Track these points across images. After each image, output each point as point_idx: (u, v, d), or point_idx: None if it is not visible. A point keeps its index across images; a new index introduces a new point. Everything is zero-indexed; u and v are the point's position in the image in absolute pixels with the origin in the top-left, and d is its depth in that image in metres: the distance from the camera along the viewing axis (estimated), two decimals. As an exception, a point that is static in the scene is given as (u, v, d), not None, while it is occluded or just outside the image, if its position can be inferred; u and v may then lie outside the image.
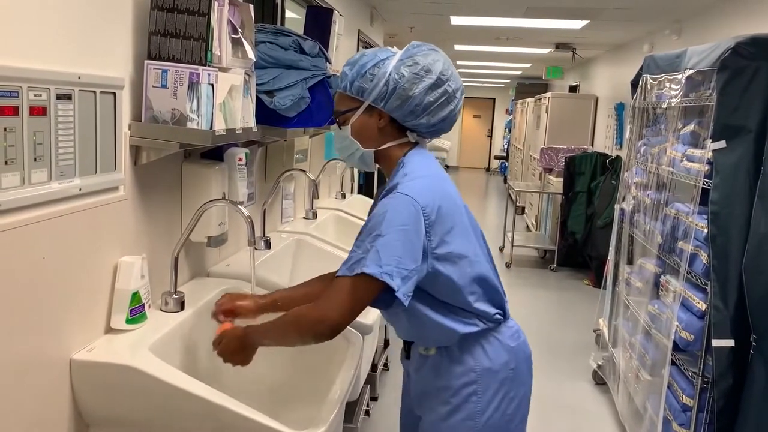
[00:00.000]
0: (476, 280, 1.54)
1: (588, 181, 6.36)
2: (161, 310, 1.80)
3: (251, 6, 1.81)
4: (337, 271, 1.74)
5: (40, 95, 1.28)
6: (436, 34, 7.42)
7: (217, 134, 1.65)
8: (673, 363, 2.71)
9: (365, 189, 5.45)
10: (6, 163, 1.21)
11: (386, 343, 3.67)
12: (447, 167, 12.47)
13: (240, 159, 2.10)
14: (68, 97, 1.37)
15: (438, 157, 9.85)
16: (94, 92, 1.46)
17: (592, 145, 7.87)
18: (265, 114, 2.10)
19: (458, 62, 11.22)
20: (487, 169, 18.35)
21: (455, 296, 1.52)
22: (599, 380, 3.89)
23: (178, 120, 1.58)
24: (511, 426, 1.61)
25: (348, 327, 1.49)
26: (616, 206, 3.83)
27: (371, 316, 2.12)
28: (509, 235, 6.84)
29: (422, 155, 1.57)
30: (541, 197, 7.79)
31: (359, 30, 5.00)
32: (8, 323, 1.28)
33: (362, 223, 1.51)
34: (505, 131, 16.68)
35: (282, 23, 3.18)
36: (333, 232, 3.41)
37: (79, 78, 1.39)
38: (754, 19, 3.96)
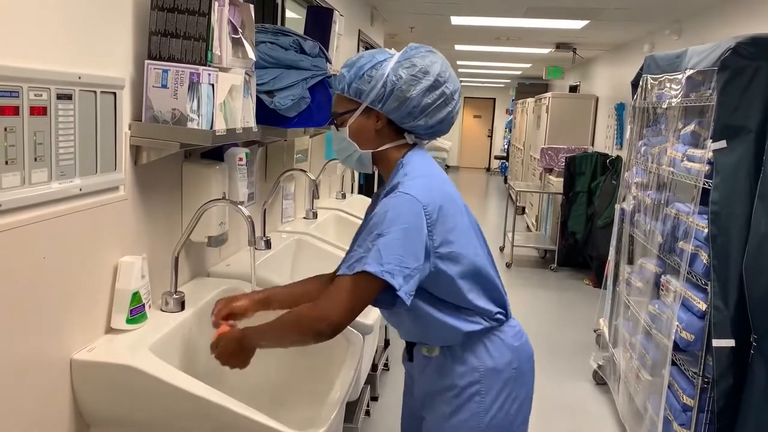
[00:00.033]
0: (477, 278, 1.54)
1: (588, 181, 6.36)
2: (161, 310, 1.80)
3: (251, 6, 1.81)
4: (335, 270, 1.75)
5: (41, 95, 1.28)
6: (437, 34, 7.42)
7: (217, 134, 1.65)
8: (673, 363, 2.71)
9: (365, 189, 5.45)
10: (6, 163, 1.21)
11: (386, 343, 3.67)
12: (447, 167, 12.47)
13: (240, 159, 2.10)
14: (68, 97, 1.37)
15: (438, 157, 9.85)
16: (95, 92, 1.46)
17: (593, 145, 7.87)
18: (265, 114, 2.10)
19: (458, 62, 11.21)
20: (488, 169, 18.35)
21: (457, 294, 1.52)
22: (600, 380, 3.89)
23: (179, 120, 1.59)
24: (513, 426, 1.61)
25: (348, 327, 1.49)
26: (617, 206, 3.83)
27: (372, 316, 2.13)
28: (509, 235, 6.84)
29: (421, 156, 1.58)
30: (542, 197, 7.78)
31: (359, 30, 5.00)
32: (8, 323, 1.28)
33: (362, 223, 1.51)
34: (505, 131, 16.68)
35: (282, 23, 3.18)
36: (333, 232, 3.41)
37: (79, 78, 1.40)
38: (755, 19, 3.96)
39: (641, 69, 3.53)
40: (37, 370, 1.38)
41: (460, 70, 12.86)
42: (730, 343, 2.39)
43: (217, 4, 1.60)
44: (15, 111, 1.22)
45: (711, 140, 2.47)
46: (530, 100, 10.49)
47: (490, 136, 18.41)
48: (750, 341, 2.33)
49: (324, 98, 2.27)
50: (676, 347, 2.66)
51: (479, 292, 1.55)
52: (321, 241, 2.87)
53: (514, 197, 7.59)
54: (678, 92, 2.90)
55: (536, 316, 5.13)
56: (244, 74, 1.84)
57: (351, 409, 2.67)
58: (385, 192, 1.51)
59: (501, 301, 1.61)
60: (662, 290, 2.94)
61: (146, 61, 1.59)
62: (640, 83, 3.50)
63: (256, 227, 1.81)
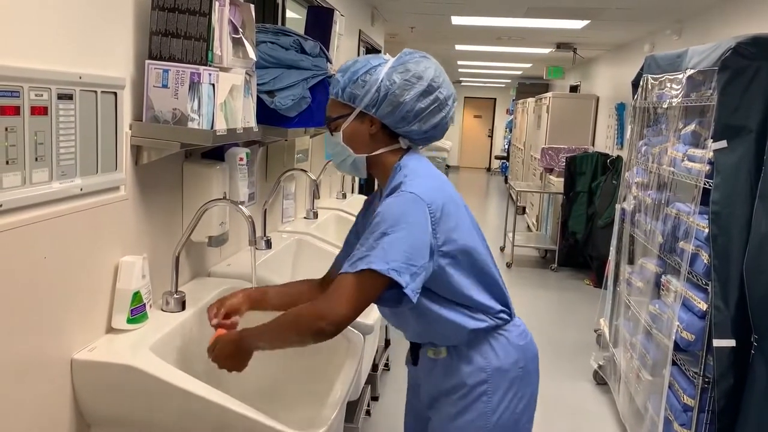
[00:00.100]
0: (479, 275, 1.55)
1: (589, 181, 6.36)
2: (162, 309, 1.80)
3: (252, 6, 1.81)
4: (326, 274, 1.75)
5: (42, 95, 1.29)
6: (437, 34, 7.42)
7: (218, 134, 1.65)
8: (674, 363, 2.71)
9: (366, 189, 5.45)
10: (7, 162, 1.21)
11: (387, 343, 3.67)
12: (448, 167, 12.45)
13: (241, 159, 2.10)
14: (69, 97, 1.37)
15: (438, 157, 9.86)
16: (95, 92, 1.46)
17: (593, 145, 7.87)
18: (266, 114, 2.10)
19: (459, 62, 11.22)
20: (488, 169, 18.35)
21: (459, 292, 1.53)
22: (600, 380, 3.89)
23: (179, 120, 1.59)
24: (519, 425, 1.62)
25: (349, 327, 1.49)
26: (617, 206, 3.83)
27: (372, 315, 2.13)
28: (510, 235, 6.84)
29: (418, 160, 1.58)
30: (542, 197, 7.78)
31: (360, 30, 5.00)
32: (9, 323, 1.28)
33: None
34: (505, 131, 16.68)
35: (283, 23, 3.18)
36: (334, 232, 3.41)
37: (80, 78, 1.40)
38: (755, 19, 3.96)
39: (642, 69, 3.53)
40: (38, 370, 1.38)
41: (460, 70, 12.87)
42: (731, 343, 2.39)
43: (217, 4, 1.60)
44: (16, 111, 1.22)
45: (711, 140, 2.47)
46: (531, 100, 10.49)
47: (491, 136, 18.41)
48: (751, 341, 2.33)
49: (324, 98, 2.26)
50: (677, 347, 2.66)
51: (481, 290, 1.56)
52: (321, 241, 2.87)
53: (514, 197, 7.59)
54: (678, 92, 2.90)
55: (537, 316, 5.13)
56: (245, 74, 1.84)
57: (351, 409, 2.67)
58: (387, 193, 1.51)
59: (503, 299, 1.61)
60: (663, 290, 2.94)
61: (147, 61, 1.59)
62: (641, 83, 3.50)
63: (256, 227, 1.81)
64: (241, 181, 2.11)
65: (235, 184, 2.10)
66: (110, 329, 1.62)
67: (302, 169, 2.83)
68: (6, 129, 1.20)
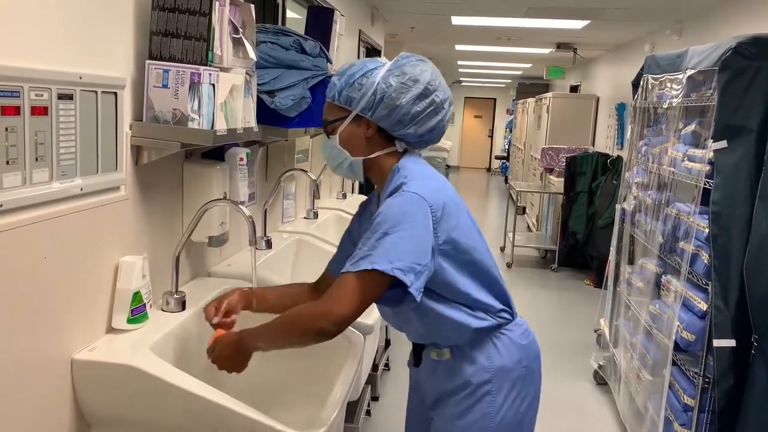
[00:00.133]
0: (480, 274, 1.55)
1: (589, 181, 6.36)
2: (162, 309, 1.80)
3: (252, 6, 1.81)
4: (319, 278, 1.74)
5: (42, 95, 1.29)
6: (437, 34, 7.42)
7: (218, 134, 1.65)
8: (674, 363, 2.71)
9: (366, 189, 5.45)
10: (7, 162, 1.21)
11: (387, 343, 3.67)
12: (448, 167, 12.45)
13: (241, 159, 2.11)
14: (69, 97, 1.37)
15: (438, 157, 9.86)
16: (96, 92, 1.46)
17: (593, 145, 7.87)
18: (266, 114, 2.10)
19: (459, 62, 11.22)
20: (488, 169, 18.35)
21: (460, 291, 1.53)
22: (600, 380, 3.89)
23: (180, 120, 1.59)
24: (523, 424, 1.62)
25: (349, 327, 1.48)
26: (617, 206, 3.83)
27: (372, 316, 2.13)
28: (510, 235, 6.84)
29: (416, 162, 1.58)
30: (542, 197, 7.78)
31: (360, 30, 5.00)
32: (9, 323, 1.28)
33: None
34: (506, 131, 16.68)
35: (283, 23, 3.18)
36: (334, 232, 3.41)
37: (80, 78, 1.40)
38: (755, 19, 3.96)
39: (642, 69, 3.53)
40: (38, 370, 1.38)
41: (460, 70, 12.87)
42: (731, 343, 2.39)
43: (217, 4, 1.60)
44: (16, 111, 1.22)
45: (712, 140, 2.47)
46: (531, 100, 10.49)
47: (491, 136, 18.41)
48: (751, 341, 2.33)
49: (324, 98, 2.27)
50: (677, 347, 2.66)
51: (482, 288, 1.56)
52: (322, 241, 2.87)
53: (514, 197, 7.60)
54: (679, 92, 2.90)
55: (537, 316, 5.13)
56: (245, 74, 1.84)
57: (352, 409, 2.67)
58: (386, 195, 1.51)
59: (505, 298, 1.62)
60: (663, 290, 2.94)
61: (147, 61, 1.59)
62: (641, 83, 3.50)
63: (256, 227, 1.82)
64: (241, 181, 2.11)
65: (236, 184, 2.10)
66: (110, 329, 1.62)
67: (302, 170, 2.83)
68: (6, 129, 1.20)
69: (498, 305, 1.59)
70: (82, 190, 1.44)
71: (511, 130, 14.84)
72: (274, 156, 2.80)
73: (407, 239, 1.40)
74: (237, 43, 1.75)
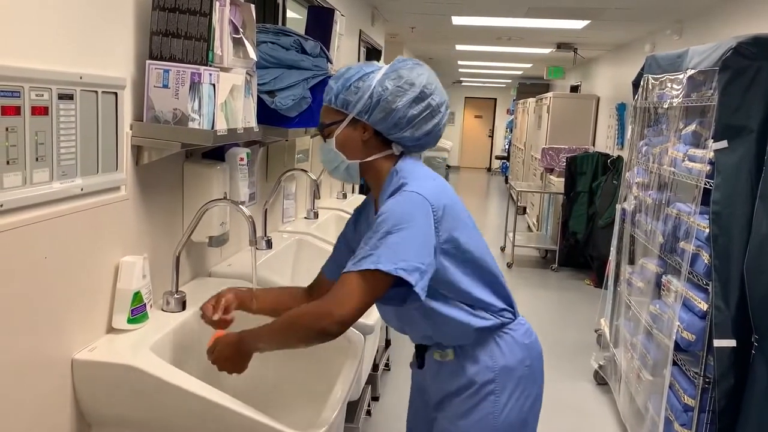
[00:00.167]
0: (481, 272, 1.56)
1: (589, 181, 6.36)
2: (163, 309, 1.81)
3: (252, 6, 1.81)
4: (311, 284, 1.74)
5: (42, 95, 1.29)
6: (438, 34, 7.42)
7: (218, 134, 1.65)
8: (674, 363, 2.71)
9: (366, 189, 5.44)
10: (8, 162, 1.21)
11: (387, 343, 3.67)
12: (448, 167, 12.44)
13: (241, 159, 2.11)
14: (70, 97, 1.37)
15: (439, 157, 9.86)
16: (96, 92, 1.46)
17: (594, 145, 7.87)
18: (266, 114, 2.10)
19: (459, 62, 11.22)
20: (489, 169, 18.35)
21: (461, 289, 1.53)
22: (600, 380, 3.89)
23: (180, 120, 1.59)
24: (526, 424, 1.62)
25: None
26: (618, 206, 3.83)
27: (372, 316, 2.12)
28: (510, 235, 6.84)
29: (415, 164, 1.58)
30: (543, 197, 7.78)
31: (360, 30, 5.00)
32: (10, 323, 1.28)
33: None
34: (506, 131, 16.68)
35: (283, 23, 3.19)
36: (334, 232, 3.41)
37: (80, 78, 1.40)
38: (756, 19, 3.96)
39: (642, 69, 3.53)
40: (38, 370, 1.38)
41: (461, 70, 12.87)
42: (732, 343, 2.39)
43: (218, 4, 1.60)
44: (16, 111, 1.22)
45: (712, 140, 2.47)
46: (531, 100, 10.49)
47: (491, 136, 18.41)
48: (751, 341, 2.33)
49: (325, 98, 2.27)
50: (677, 347, 2.66)
51: (483, 287, 1.56)
52: (322, 241, 2.87)
53: (515, 197, 7.59)
54: (679, 92, 2.90)
55: (537, 316, 5.13)
56: (245, 74, 1.84)
57: (352, 409, 2.67)
58: (387, 196, 1.51)
59: (506, 297, 1.62)
60: (663, 290, 2.94)
61: (147, 61, 1.59)
62: (641, 83, 3.50)
63: (257, 227, 1.82)
64: (241, 181, 2.11)
65: (236, 184, 2.10)
66: (111, 329, 1.62)
67: (303, 169, 2.83)
68: (7, 129, 1.20)
69: (500, 304, 1.59)
70: (82, 190, 1.44)
71: (511, 130, 14.84)
72: (274, 156, 2.80)
73: (410, 238, 1.40)
74: (237, 43, 1.75)
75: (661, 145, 3.16)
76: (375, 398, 3.39)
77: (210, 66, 1.60)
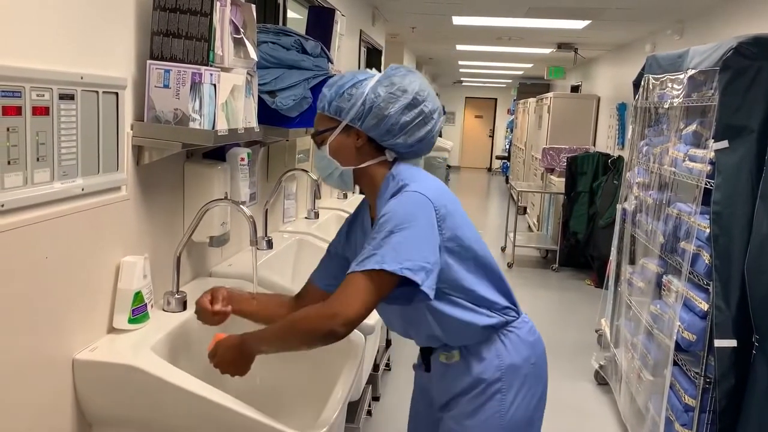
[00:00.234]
0: (483, 270, 1.56)
1: (590, 181, 6.36)
2: (163, 309, 1.81)
3: (253, 6, 1.81)
4: (299, 292, 1.73)
5: (43, 95, 1.29)
6: (438, 34, 7.42)
7: (219, 134, 1.65)
8: (675, 363, 2.71)
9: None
10: (9, 163, 1.22)
11: (388, 343, 3.67)
12: (449, 167, 12.44)
13: (242, 159, 2.11)
14: (71, 97, 1.37)
15: (439, 157, 9.85)
16: (97, 92, 1.46)
17: (594, 145, 7.87)
18: (267, 114, 2.10)
19: (460, 62, 11.22)
20: (489, 169, 18.35)
21: (464, 288, 1.53)
22: (601, 380, 3.89)
23: (181, 120, 1.59)
24: (532, 422, 1.63)
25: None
26: (618, 206, 3.83)
27: (373, 316, 2.12)
28: (511, 235, 6.84)
29: (411, 167, 1.58)
30: (543, 197, 7.78)
31: (361, 30, 5.00)
32: (11, 323, 1.28)
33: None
34: (506, 131, 16.68)
35: (284, 23, 3.19)
36: (335, 233, 3.39)
37: (81, 78, 1.40)
38: (757, 19, 3.96)
39: (643, 69, 3.53)
40: (39, 370, 1.38)
41: (461, 70, 12.87)
42: (732, 343, 2.39)
43: (219, 4, 1.60)
44: (17, 111, 1.22)
45: (713, 140, 2.47)
46: (532, 100, 10.49)
47: (492, 136, 18.41)
48: (752, 341, 2.33)
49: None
50: (678, 347, 2.66)
51: (486, 285, 1.57)
52: (322, 241, 2.87)
53: (515, 197, 7.59)
54: (680, 92, 2.90)
55: (538, 316, 5.08)
56: (246, 74, 1.84)
57: (352, 410, 2.67)
58: (387, 198, 1.50)
59: (509, 296, 1.63)
60: (664, 290, 2.94)
61: (148, 61, 1.59)
62: (642, 83, 3.50)
63: (257, 227, 1.82)
64: (242, 181, 2.11)
65: (237, 184, 2.10)
66: (111, 329, 1.62)
67: (303, 169, 2.83)
68: (8, 129, 1.20)
69: (503, 302, 1.60)
70: (83, 190, 1.44)
71: (512, 130, 14.83)
72: (275, 156, 2.80)
73: (413, 238, 1.40)
74: (238, 43, 1.76)
75: (661, 145, 3.16)
76: (376, 398, 3.39)
77: (211, 66, 1.60)
